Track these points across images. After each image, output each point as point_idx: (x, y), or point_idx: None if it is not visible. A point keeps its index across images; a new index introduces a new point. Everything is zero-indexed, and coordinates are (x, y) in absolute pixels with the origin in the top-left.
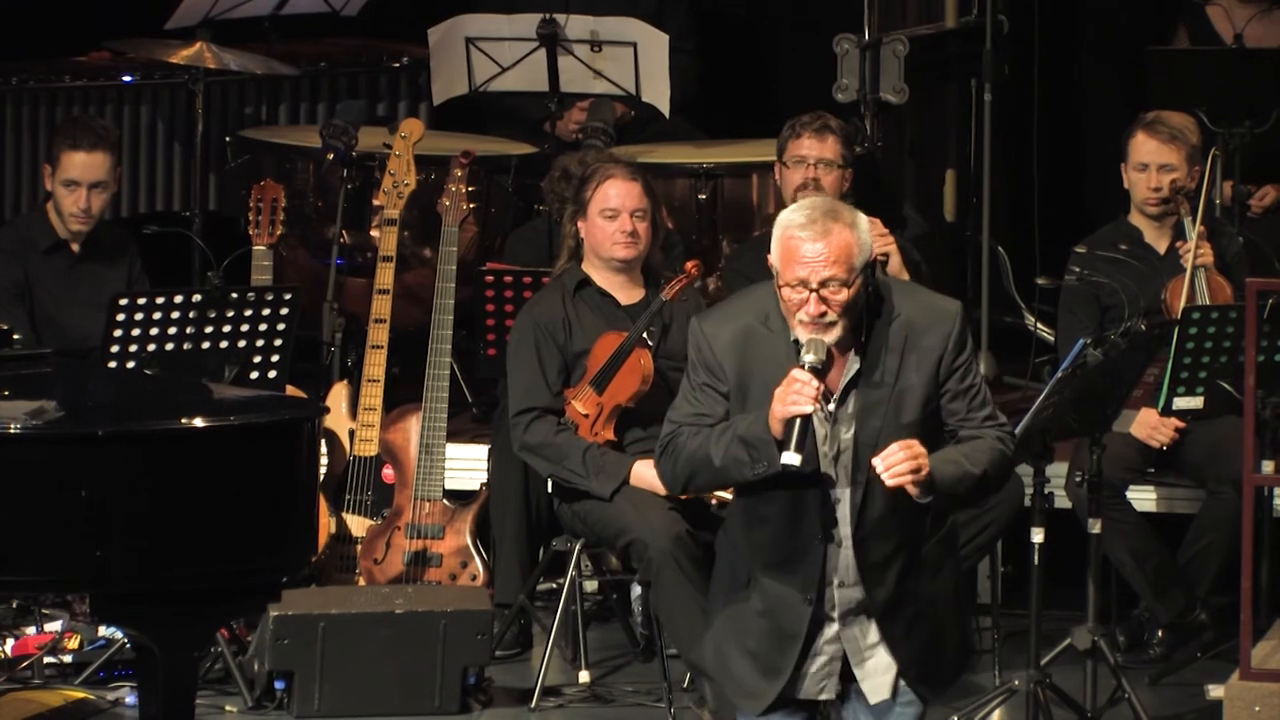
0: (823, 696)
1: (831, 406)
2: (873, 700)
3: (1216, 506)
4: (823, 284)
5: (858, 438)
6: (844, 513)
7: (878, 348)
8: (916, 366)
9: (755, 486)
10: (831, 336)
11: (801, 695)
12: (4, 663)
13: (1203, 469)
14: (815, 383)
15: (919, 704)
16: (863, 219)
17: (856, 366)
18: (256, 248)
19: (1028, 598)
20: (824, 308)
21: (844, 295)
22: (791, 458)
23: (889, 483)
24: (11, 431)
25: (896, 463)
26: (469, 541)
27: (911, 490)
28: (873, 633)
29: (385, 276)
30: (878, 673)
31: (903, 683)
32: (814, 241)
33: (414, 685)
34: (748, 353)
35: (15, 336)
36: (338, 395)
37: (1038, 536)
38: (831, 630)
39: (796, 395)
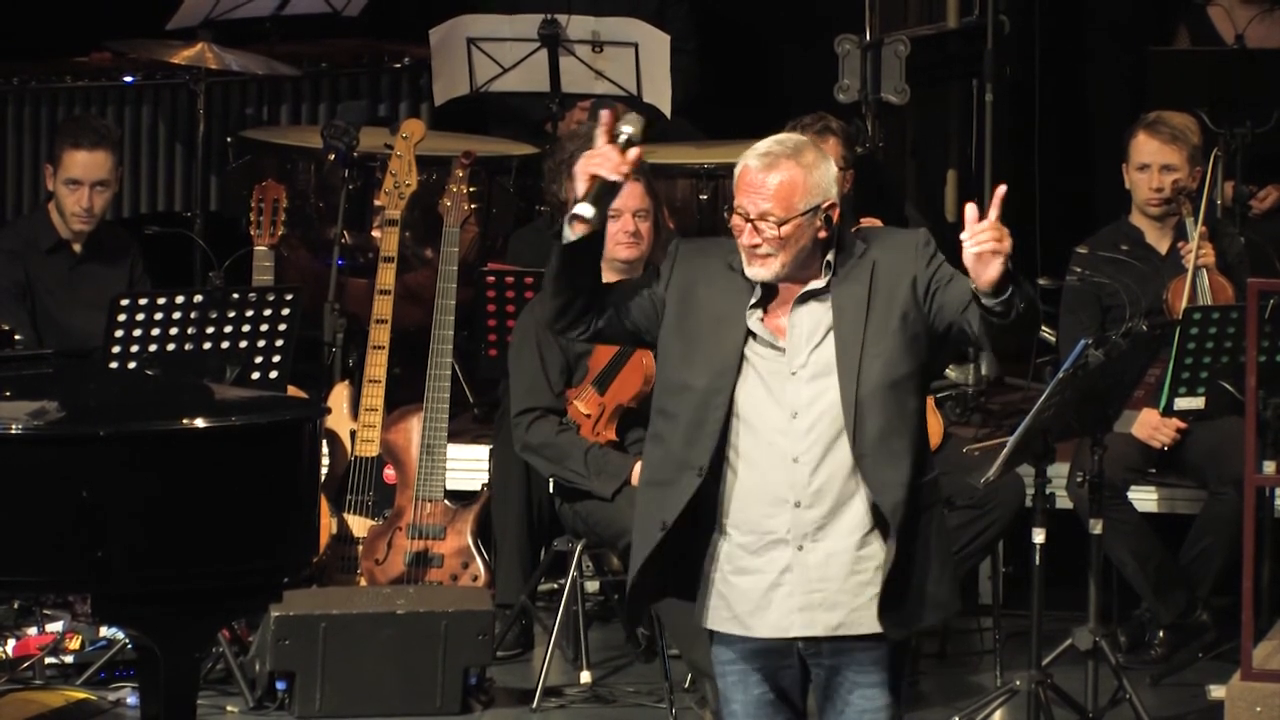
0: (793, 633)
1: (782, 322)
2: (805, 632)
3: (1218, 507)
4: (760, 216)
5: (841, 358)
6: (800, 425)
7: (845, 271)
8: (888, 288)
9: (666, 400)
10: (768, 268)
11: (769, 634)
12: (6, 663)
13: (1204, 469)
14: (617, 155)
15: (891, 708)
16: (828, 166)
17: (820, 285)
18: (258, 248)
19: (1029, 598)
20: (758, 239)
21: (777, 232)
22: (584, 209)
23: (975, 250)
24: (13, 432)
25: (980, 231)
26: (470, 542)
27: (996, 269)
28: (829, 565)
29: (387, 277)
30: (819, 607)
31: (876, 688)
32: (760, 173)
33: (415, 686)
34: (702, 275)
35: (16, 337)
36: (339, 396)
37: (1039, 537)
38: (786, 557)
39: (599, 161)
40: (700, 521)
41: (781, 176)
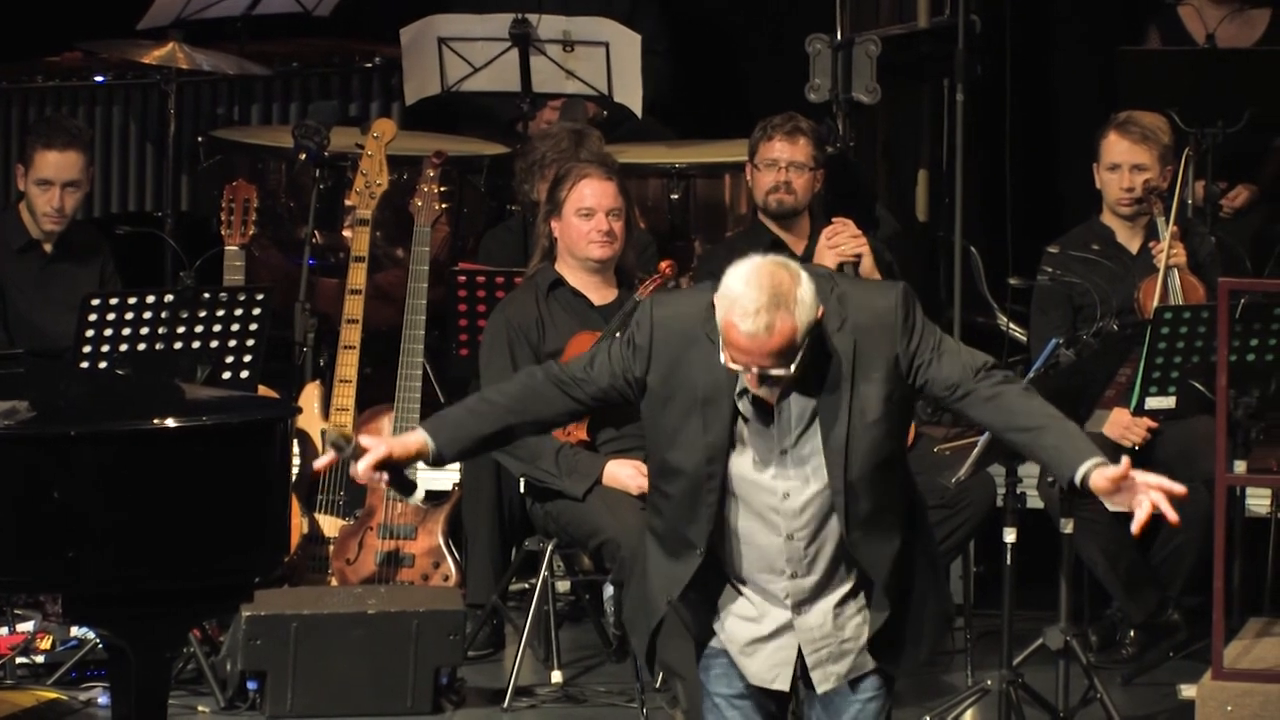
0: (775, 686)
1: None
2: (820, 689)
3: (1188, 506)
4: (763, 369)
5: (827, 443)
6: (793, 505)
7: (828, 357)
8: (869, 368)
9: (659, 479)
10: (779, 388)
11: (753, 680)
12: None
13: (1175, 469)
14: (366, 469)
15: (883, 698)
16: (808, 288)
17: (792, 375)
18: (229, 248)
19: (1000, 598)
20: (771, 381)
21: (784, 372)
22: (415, 496)
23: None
24: None
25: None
26: (441, 542)
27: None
28: (828, 622)
29: (358, 277)
30: (829, 662)
31: (867, 678)
32: (756, 337)
33: (386, 685)
34: (684, 355)
35: None
36: (310, 395)
37: (1010, 536)
38: (784, 617)
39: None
40: (704, 575)
41: (779, 332)
